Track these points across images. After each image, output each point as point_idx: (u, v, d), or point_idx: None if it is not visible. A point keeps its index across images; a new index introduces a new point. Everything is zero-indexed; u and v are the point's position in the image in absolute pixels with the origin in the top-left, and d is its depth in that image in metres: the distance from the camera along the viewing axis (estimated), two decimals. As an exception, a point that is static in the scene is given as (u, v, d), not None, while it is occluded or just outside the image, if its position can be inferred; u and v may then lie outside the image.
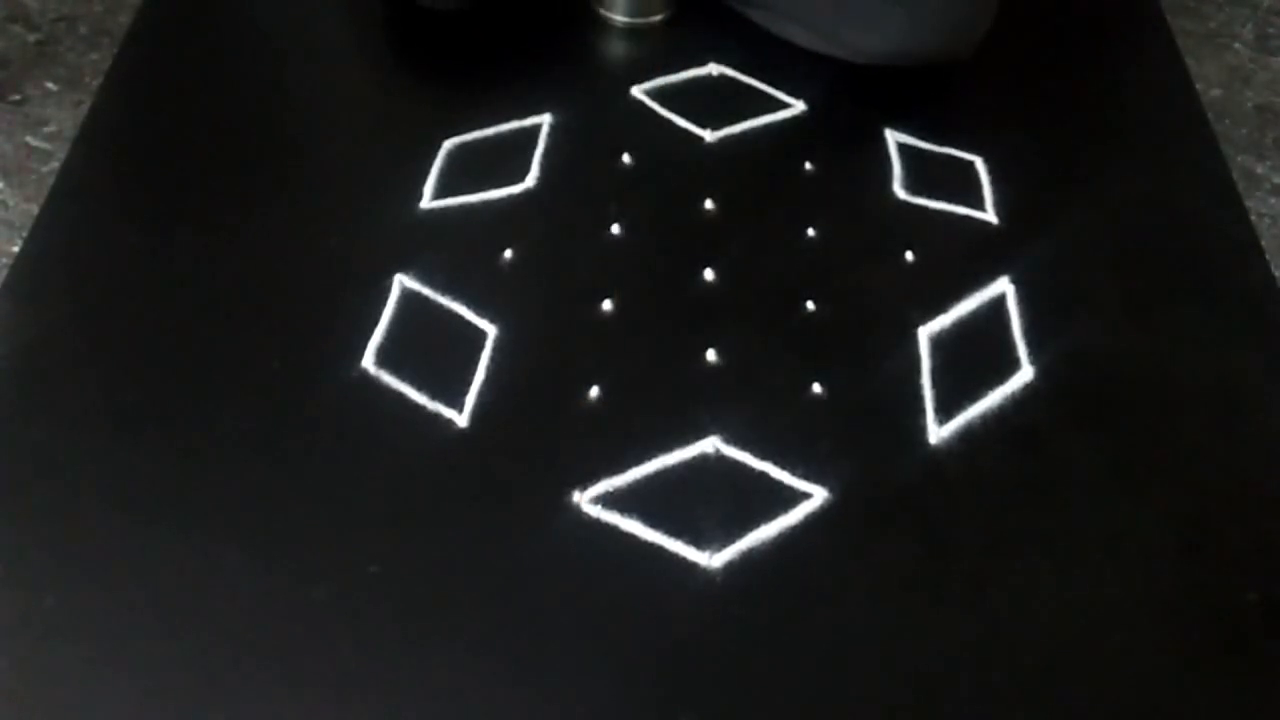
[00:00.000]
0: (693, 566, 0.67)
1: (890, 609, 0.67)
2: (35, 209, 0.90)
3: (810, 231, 0.85)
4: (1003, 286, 0.82)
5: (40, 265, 0.79)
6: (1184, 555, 0.70)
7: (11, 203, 1.56)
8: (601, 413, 0.74)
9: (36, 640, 0.63)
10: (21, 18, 1.79)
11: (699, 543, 0.68)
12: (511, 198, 0.86)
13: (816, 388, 0.76)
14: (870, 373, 0.77)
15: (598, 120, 0.92)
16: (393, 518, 0.68)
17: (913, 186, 0.89)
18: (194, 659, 0.62)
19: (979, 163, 0.91)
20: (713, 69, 0.97)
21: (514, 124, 0.90)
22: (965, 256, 0.84)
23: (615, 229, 0.84)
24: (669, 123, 0.92)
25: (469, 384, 0.74)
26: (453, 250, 0.81)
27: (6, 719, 0.60)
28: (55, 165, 1.21)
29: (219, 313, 0.77)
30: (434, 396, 0.73)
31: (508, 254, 0.82)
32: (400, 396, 0.73)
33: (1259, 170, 1.69)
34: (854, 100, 0.95)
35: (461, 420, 0.72)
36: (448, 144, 0.88)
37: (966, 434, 0.74)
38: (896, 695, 0.64)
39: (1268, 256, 0.87)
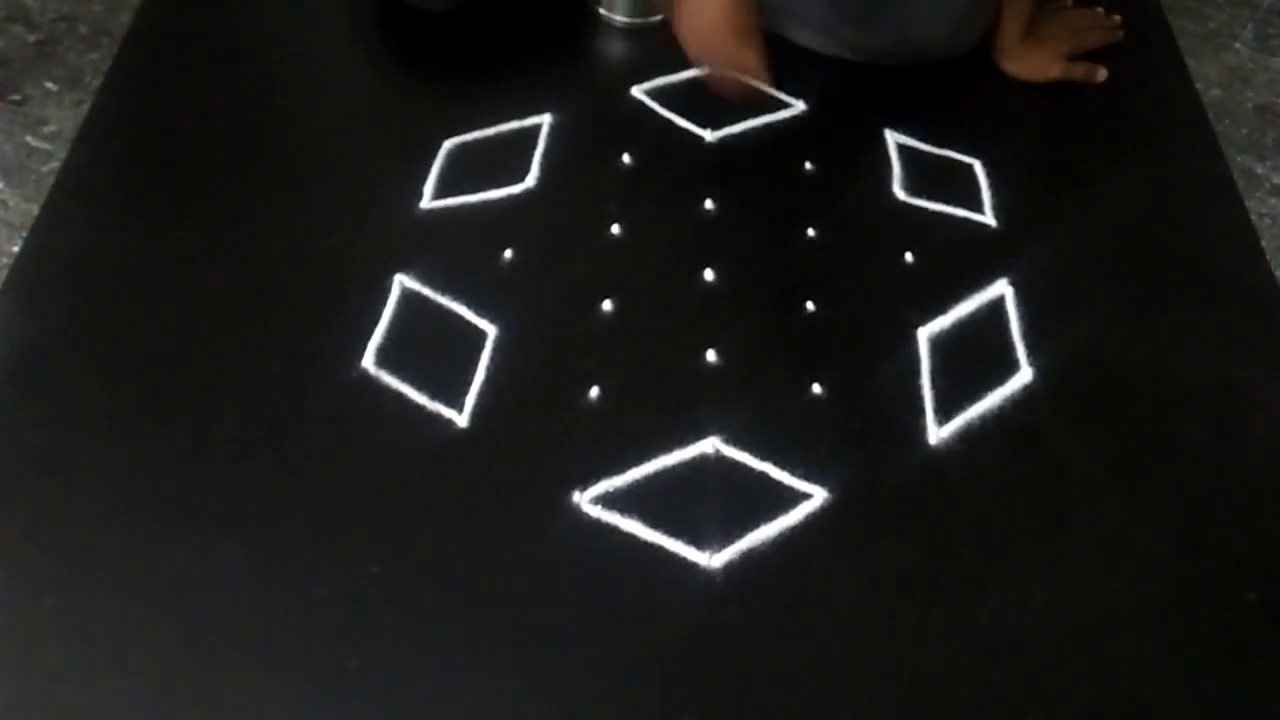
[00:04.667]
0: (693, 566, 0.67)
1: (890, 609, 0.67)
2: (35, 209, 0.90)
3: (810, 231, 0.85)
4: (1001, 288, 0.82)
5: (40, 265, 0.79)
6: (1184, 555, 0.70)
7: (11, 203, 1.56)
8: (601, 413, 0.74)
9: (36, 640, 0.63)
10: (21, 18, 1.79)
11: (699, 543, 0.68)
12: (511, 198, 0.85)
13: (816, 388, 0.76)
14: (870, 373, 0.77)
15: (598, 120, 0.92)
16: (393, 518, 0.68)
17: (912, 187, 0.89)
18: (194, 659, 0.62)
19: (978, 165, 0.91)
20: (713, 69, 0.96)
21: (514, 124, 0.90)
22: (964, 258, 0.84)
23: (615, 229, 0.84)
24: (669, 123, 0.92)
25: (469, 384, 0.74)
26: (453, 250, 0.81)
27: (6, 719, 0.60)
28: (55, 165, 1.21)
29: (219, 313, 0.77)
30: (434, 396, 0.73)
31: (508, 254, 0.82)
32: (400, 396, 0.73)
33: (1259, 170, 1.69)
34: (854, 100, 0.95)
35: (461, 420, 0.72)
36: (448, 144, 0.88)
37: (966, 434, 0.74)
38: (896, 695, 0.64)
39: (1268, 256, 0.87)
